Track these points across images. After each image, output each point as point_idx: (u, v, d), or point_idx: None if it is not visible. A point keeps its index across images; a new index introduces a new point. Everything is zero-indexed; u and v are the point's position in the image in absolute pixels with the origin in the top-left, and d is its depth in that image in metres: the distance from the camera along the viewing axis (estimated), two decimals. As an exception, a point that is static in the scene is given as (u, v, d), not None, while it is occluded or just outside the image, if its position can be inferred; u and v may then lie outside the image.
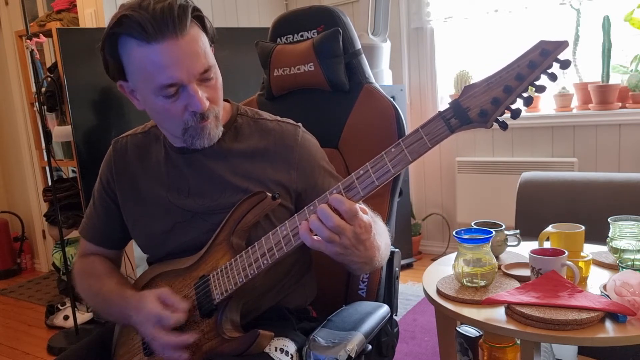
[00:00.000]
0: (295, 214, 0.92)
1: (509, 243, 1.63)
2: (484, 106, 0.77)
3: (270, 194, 1.00)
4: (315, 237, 0.86)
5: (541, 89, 0.76)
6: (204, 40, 0.98)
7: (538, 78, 0.76)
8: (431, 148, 0.80)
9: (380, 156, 0.84)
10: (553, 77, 0.75)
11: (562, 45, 0.74)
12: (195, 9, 0.98)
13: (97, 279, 1.14)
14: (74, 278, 1.20)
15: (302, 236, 0.87)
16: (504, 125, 0.80)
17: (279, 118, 1.15)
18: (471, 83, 0.79)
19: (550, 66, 0.75)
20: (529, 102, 0.77)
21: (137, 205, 1.14)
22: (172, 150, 1.12)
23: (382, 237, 0.99)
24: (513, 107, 0.78)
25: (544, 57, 0.74)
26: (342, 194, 0.86)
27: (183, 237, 1.09)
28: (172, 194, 1.10)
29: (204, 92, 0.98)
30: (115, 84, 1.04)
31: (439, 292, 1.42)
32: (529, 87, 0.77)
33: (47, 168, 2.64)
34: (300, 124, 1.14)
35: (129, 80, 1.01)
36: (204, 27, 1.00)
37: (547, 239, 1.53)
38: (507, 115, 0.80)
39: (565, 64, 0.74)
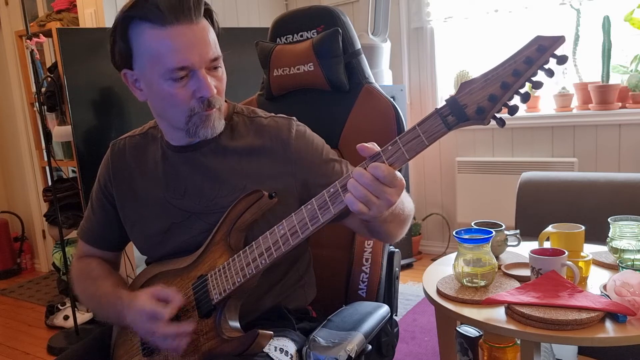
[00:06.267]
0: (293, 214, 0.91)
1: (509, 243, 1.62)
2: (481, 103, 0.77)
3: (267, 193, 0.99)
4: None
5: (538, 84, 0.76)
6: (213, 33, 1.01)
7: (535, 74, 0.75)
8: (428, 146, 0.80)
9: (377, 154, 0.83)
10: (550, 73, 0.75)
11: (558, 40, 0.73)
12: (207, 4, 1.01)
13: (93, 281, 1.14)
14: (72, 280, 1.20)
15: (346, 200, 0.82)
16: (501, 122, 0.80)
17: (273, 114, 1.14)
18: (468, 80, 0.79)
19: (547, 62, 0.74)
20: (526, 98, 0.76)
21: (135, 206, 1.14)
22: (170, 149, 1.12)
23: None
24: (510, 103, 0.78)
25: (541, 52, 0.73)
26: (339, 193, 0.86)
27: (180, 237, 1.09)
28: (169, 194, 1.10)
29: (212, 81, 1.00)
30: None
31: (439, 292, 1.41)
32: (526, 83, 0.77)
33: (47, 168, 2.64)
34: (294, 117, 1.13)
35: (134, 68, 1.02)
36: (212, 23, 1.02)
37: (547, 239, 1.53)
38: (506, 113, 0.79)
39: (562, 60, 0.74)
